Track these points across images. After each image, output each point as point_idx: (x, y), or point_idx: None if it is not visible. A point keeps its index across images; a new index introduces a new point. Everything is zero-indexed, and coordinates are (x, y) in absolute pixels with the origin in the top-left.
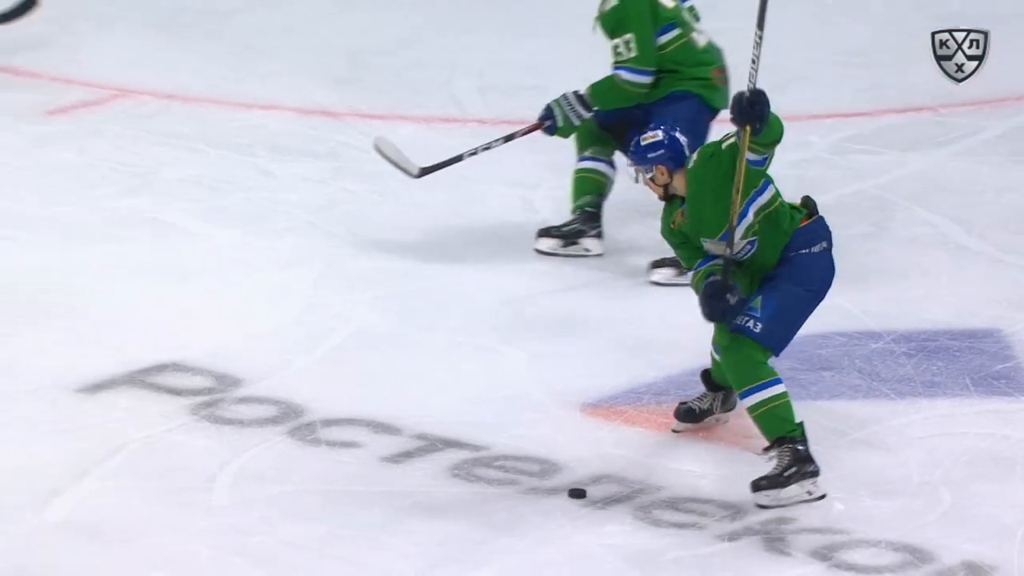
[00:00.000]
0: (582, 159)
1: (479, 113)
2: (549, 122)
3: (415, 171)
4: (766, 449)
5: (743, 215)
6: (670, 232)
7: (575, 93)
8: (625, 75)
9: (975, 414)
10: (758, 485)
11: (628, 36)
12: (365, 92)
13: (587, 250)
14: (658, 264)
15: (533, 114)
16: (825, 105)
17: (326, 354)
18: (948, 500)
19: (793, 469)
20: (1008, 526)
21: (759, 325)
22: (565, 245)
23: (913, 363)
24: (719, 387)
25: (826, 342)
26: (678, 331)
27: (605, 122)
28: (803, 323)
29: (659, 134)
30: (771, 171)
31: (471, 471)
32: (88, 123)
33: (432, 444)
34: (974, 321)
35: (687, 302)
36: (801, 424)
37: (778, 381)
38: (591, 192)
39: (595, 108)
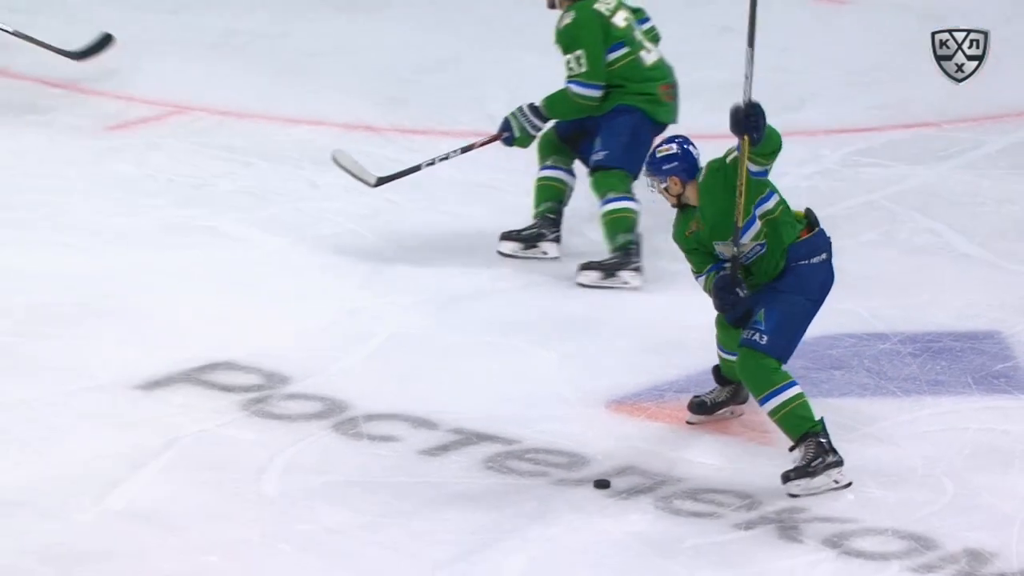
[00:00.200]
0: (543, 168)
1: None
2: (507, 134)
3: (372, 180)
4: (792, 448)
5: (751, 221)
6: (684, 238)
7: (530, 105)
8: (576, 88)
9: (976, 410)
10: (788, 476)
11: (580, 52)
12: (405, 109)
13: (544, 253)
14: (586, 267)
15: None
16: (836, 121)
17: (368, 354)
18: (951, 491)
19: (819, 460)
20: (1007, 515)
21: (764, 337)
22: (525, 248)
23: (918, 363)
24: (728, 381)
25: (837, 343)
26: (696, 332)
27: (564, 133)
28: (806, 330)
29: (673, 147)
30: (788, 182)
31: (504, 463)
32: (147, 138)
33: (467, 438)
34: (975, 324)
35: (703, 304)
36: (821, 419)
37: (793, 384)
38: (551, 199)
39: (549, 119)
